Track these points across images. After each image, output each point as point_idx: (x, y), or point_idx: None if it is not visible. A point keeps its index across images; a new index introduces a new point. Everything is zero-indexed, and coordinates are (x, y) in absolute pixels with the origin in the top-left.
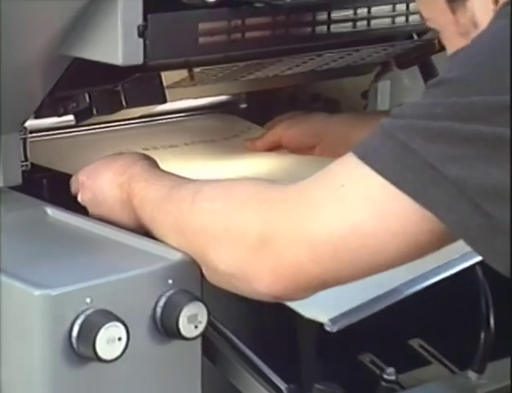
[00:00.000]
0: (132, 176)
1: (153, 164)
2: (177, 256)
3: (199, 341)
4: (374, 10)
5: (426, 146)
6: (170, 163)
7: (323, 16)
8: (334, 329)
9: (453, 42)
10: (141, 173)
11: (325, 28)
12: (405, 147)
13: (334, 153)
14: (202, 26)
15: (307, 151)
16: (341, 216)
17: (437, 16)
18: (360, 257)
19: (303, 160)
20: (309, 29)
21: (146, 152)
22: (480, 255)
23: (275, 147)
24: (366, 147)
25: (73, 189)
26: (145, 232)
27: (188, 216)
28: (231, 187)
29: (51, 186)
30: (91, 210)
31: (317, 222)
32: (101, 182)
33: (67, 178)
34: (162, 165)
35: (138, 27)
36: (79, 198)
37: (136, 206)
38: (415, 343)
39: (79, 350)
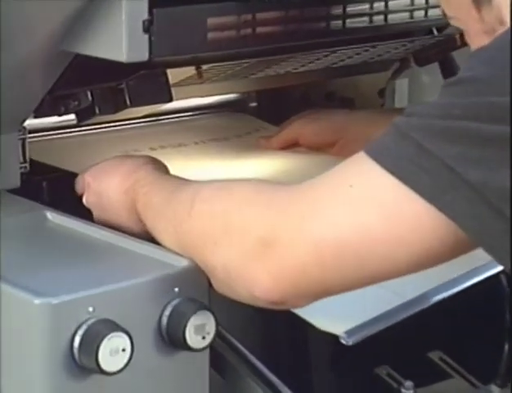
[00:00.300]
0: (137, 180)
1: (159, 167)
2: (183, 263)
3: (206, 353)
4: (391, 4)
5: (443, 147)
6: (179, 163)
7: (338, 10)
8: (350, 342)
9: (477, 41)
10: (145, 177)
11: (340, 23)
12: (420, 148)
13: (353, 151)
14: (211, 21)
15: (325, 148)
16: (348, 218)
17: (461, 14)
18: (366, 263)
19: (319, 160)
20: (323, 24)
21: (154, 152)
22: (500, 263)
23: (291, 145)
24: (379, 147)
25: (78, 189)
26: (151, 239)
27: (187, 221)
28: (230, 188)
29: (51, 189)
30: (96, 213)
31: (322, 224)
32: (108, 186)
33: (68, 180)
34: (170, 166)
35: (143, 22)
36: (84, 200)
37: (140, 212)
38: (434, 355)
39: (81, 361)
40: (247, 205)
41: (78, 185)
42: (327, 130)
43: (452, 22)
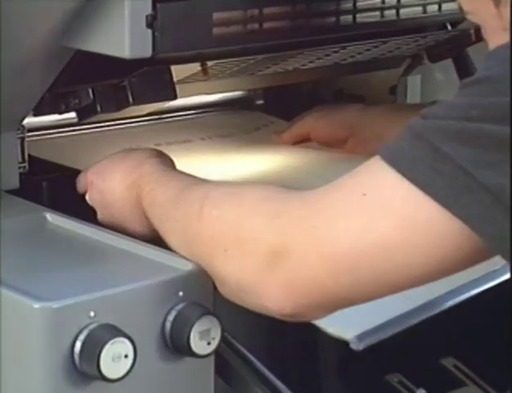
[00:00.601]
0: (141, 176)
1: (165, 161)
2: (187, 266)
3: (211, 359)
4: None
5: (460, 149)
6: (185, 160)
7: (348, 5)
8: (361, 347)
9: (496, 38)
10: (151, 172)
11: (350, 17)
12: (436, 151)
13: (367, 148)
14: (216, 16)
15: (337, 144)
16: (361, 228)
17: (479, 9)
18: (381, 273)
19: (330, 157)
20: (333, 19)
21: (159, 148)
22: None
23: (302, 141)
24: (394, 150)
25: (80, 187)
26: (156, 237)
27: (196, 224)
28: (240, 193)
29: (51, 189)
30: (99, 211)
31: (335, 233)
32: (111, 183)
33: (68, 180)
34: (176, 162)
35: (147, 17)
36: (87, 198)
37: (146, 209)
38: (448, 362)
39: (82, 367)
40: (257, 212)
41: (80, 183)
42: (340, 126)
43: (469, 17)
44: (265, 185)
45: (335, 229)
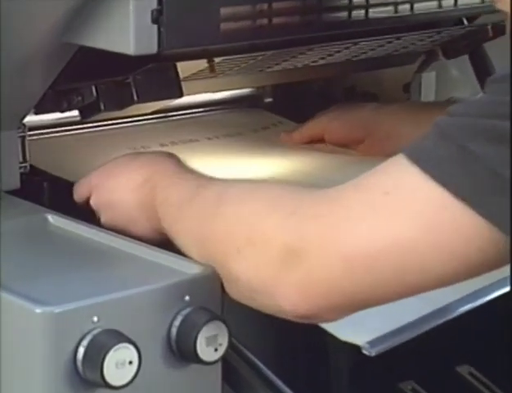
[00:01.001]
0: (152, 174)
1: (177, 162)
2: (194, 270)
3: (219, 366)
4: None
5: (488, 148)
6: (191, 160)
7: None
8: (373, 353)
9: None
10: (163, 171)
11: (362, 12)
12: (463, 149)
13: (383, 149)
14: (224, 11)
15: (352, 145)
16: (382, 229)
17: None
18: (401, 276)
19: (343, 159)
20: (344, 14)
21: (164, 148)
22: None
23: (312, 142)
24: (419, 149)
25: (81, 194)
26: (161, 240)
27: (210, 223)
28: (256, 191)
29: (52, 190)
30: (104, 213)
31: (354, 233)
32: (119, 183)
33: (70, 181)
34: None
35: (152, 12)
36: (92, 201)
37: (157, 208)
38: (463, 370)
39: (85, 374)
40: (272, 210)
41: (82, 189)
42: (355, 125)
43: (498, 6)
44: (281, 184)
45: (354, 228)
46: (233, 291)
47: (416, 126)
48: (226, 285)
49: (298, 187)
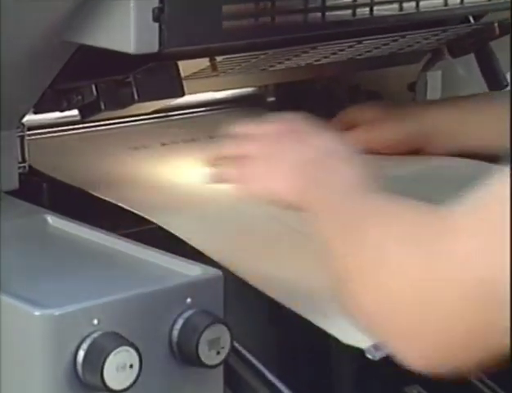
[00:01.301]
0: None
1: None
2: (196, 272)
3: (221, 369)
4: None
5: None
6: (192, 159)
7: None
8: (377, 357)
9: None
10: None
11: (367, 10)
12: None
13: (446, 150)
14: (226, 9)
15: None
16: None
17: None
18: None
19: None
20: (349, 12)
21: (165, 147)
22: None
23: None
24: None
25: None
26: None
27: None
28: (392, 214)
29: (52, 190)
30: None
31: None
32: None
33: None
34: (183, 161)
35: (153, 10)
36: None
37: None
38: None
39: (85, 378)
40: (402, 241)
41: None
42: (412, 134)
43: None
44: (415, 205)
45: (478, 260)
46: (351, 310)
47: (481, 121)
48: (344, 299)
49: (429, 211)
